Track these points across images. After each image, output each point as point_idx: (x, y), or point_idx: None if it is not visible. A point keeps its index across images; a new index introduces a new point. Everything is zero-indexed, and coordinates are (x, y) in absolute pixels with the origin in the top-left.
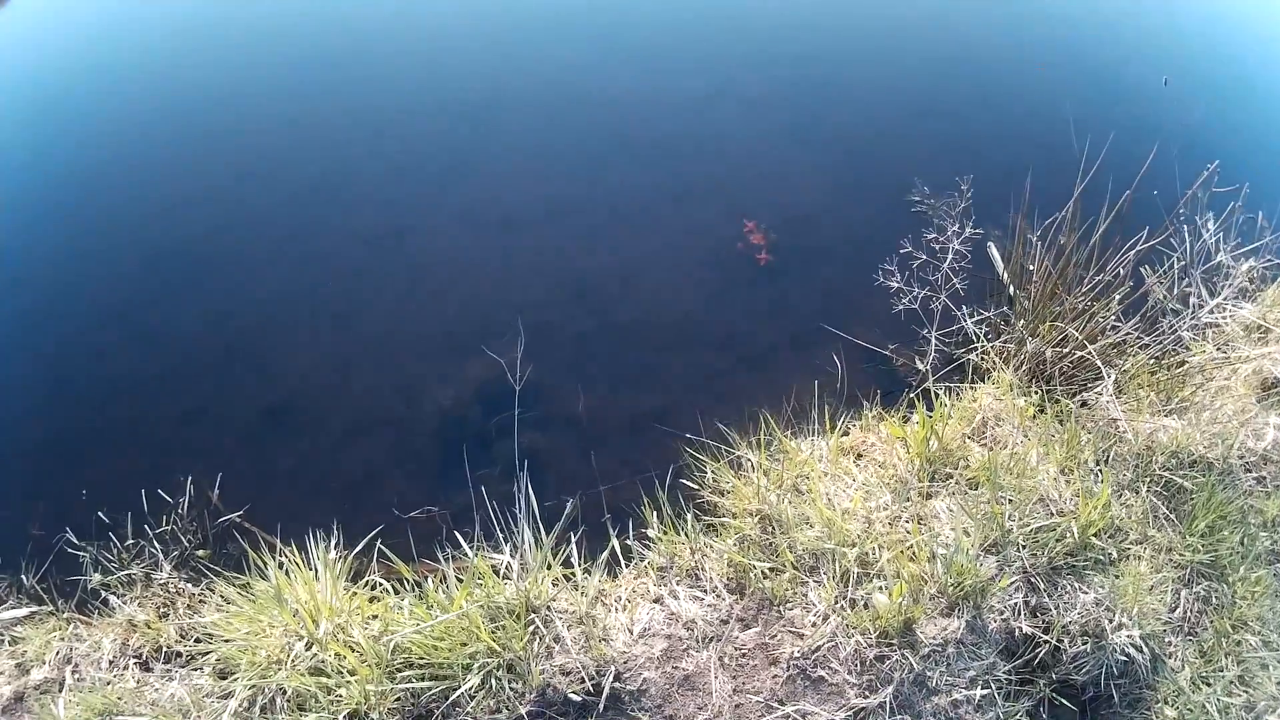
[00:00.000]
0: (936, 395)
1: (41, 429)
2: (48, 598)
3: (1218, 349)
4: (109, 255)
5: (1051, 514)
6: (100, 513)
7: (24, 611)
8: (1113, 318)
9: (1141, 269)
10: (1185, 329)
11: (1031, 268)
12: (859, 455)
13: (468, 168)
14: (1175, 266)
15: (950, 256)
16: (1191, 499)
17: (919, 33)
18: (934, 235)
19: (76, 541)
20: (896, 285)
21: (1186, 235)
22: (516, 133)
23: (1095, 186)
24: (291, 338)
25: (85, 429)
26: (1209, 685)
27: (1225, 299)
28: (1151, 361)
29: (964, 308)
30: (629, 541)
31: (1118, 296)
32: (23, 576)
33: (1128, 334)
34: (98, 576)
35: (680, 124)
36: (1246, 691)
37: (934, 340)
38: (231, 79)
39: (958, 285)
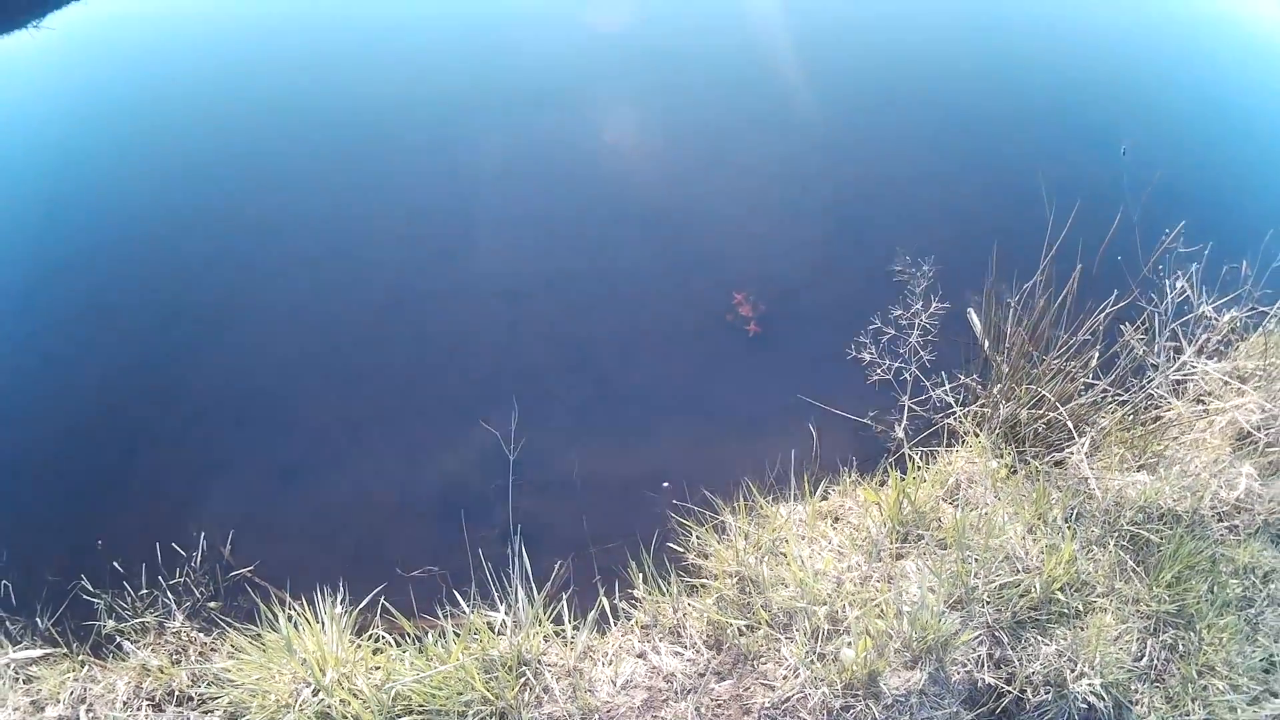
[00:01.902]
0: (912, 460)
1: (59, 480)
2: (62, 641)
3: (1197, 401)
4: (128, 313)
5: (1017, 571)
6: (115, 563)
7: (38, 653)
8: (1087, 376)
9: (1122, 326)
10: (1155, 386)
11: (1008, 330)
12: (836, 519)
13: (472, 240)
14: (1155, 321)
15: (915, 332)
16: (1159, 551)
17: (907, 102)
18: (901, 311)
19: (91, 589)
20: (869, 358)
21: (1168, 290)
22: (518, 207)
23: (1068, 251)
24: (302, 401)
25: (102, 482)
26: None
27: (1189, 356)
28: (1127, 418)
29: (941, 373)
30: (617, 602)
31: (1096, 354)
32: (38, 619)
33: (1104, 391)
34: (112, 623)
35: (674, 197)
36: None
37: (907, 408)
38: (249, 147)
39: (925, 357)
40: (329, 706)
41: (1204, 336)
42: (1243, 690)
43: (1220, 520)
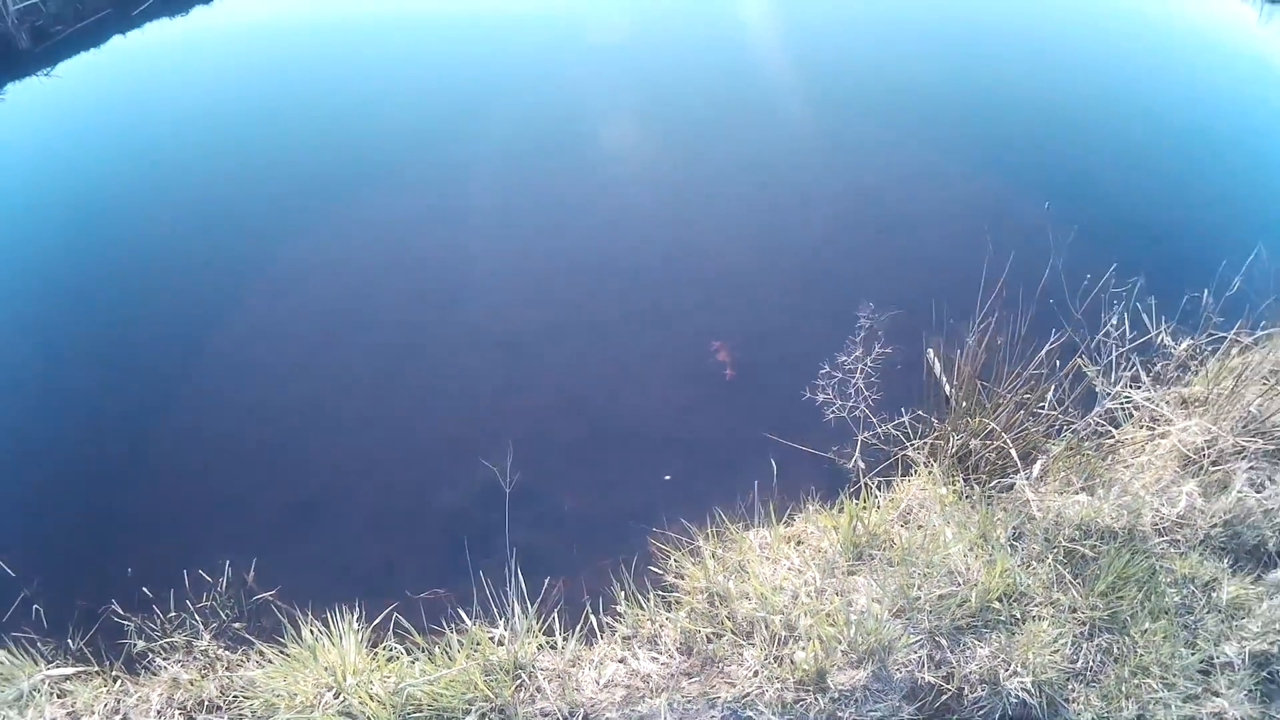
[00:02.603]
0: (868, 488)
1: (90, 511)
2: (94, 659)
3: (1150, 424)
4: (155, 358)
5: (957, 584)
6: (144, 588)
7: (70, 670)
8: (1041, 406)
9: (1080, 359)
10: (1096, 415)
11: (961, 368)
12: (799, 541)
13: (471, 294)
14: (1111, 352)
15: (859, 376)
16: (1094, 564)
17: (876, 154)
18: (861, 354)
19: (122, 612)
20: (824, 398)
21: (1126, 320)
22: (514, 263)
23: (1027, 289)
24: (317, 441)
25: (132, 514)
26: None
27: (1123, 387)
28: (1076, 444)
29: (901, 410)
30: (602, 617)
31: (1051, 386)
32: (69, 641)
33: (1055, 419)
34: (142, 642)
35: (657, 251)
36: None
37: (862, 443)
38: (265, 204)
39: (884, 396)
40: (349, 706)
41: (1161, 364)
42: (1177, 689)
43: (1162, 535)
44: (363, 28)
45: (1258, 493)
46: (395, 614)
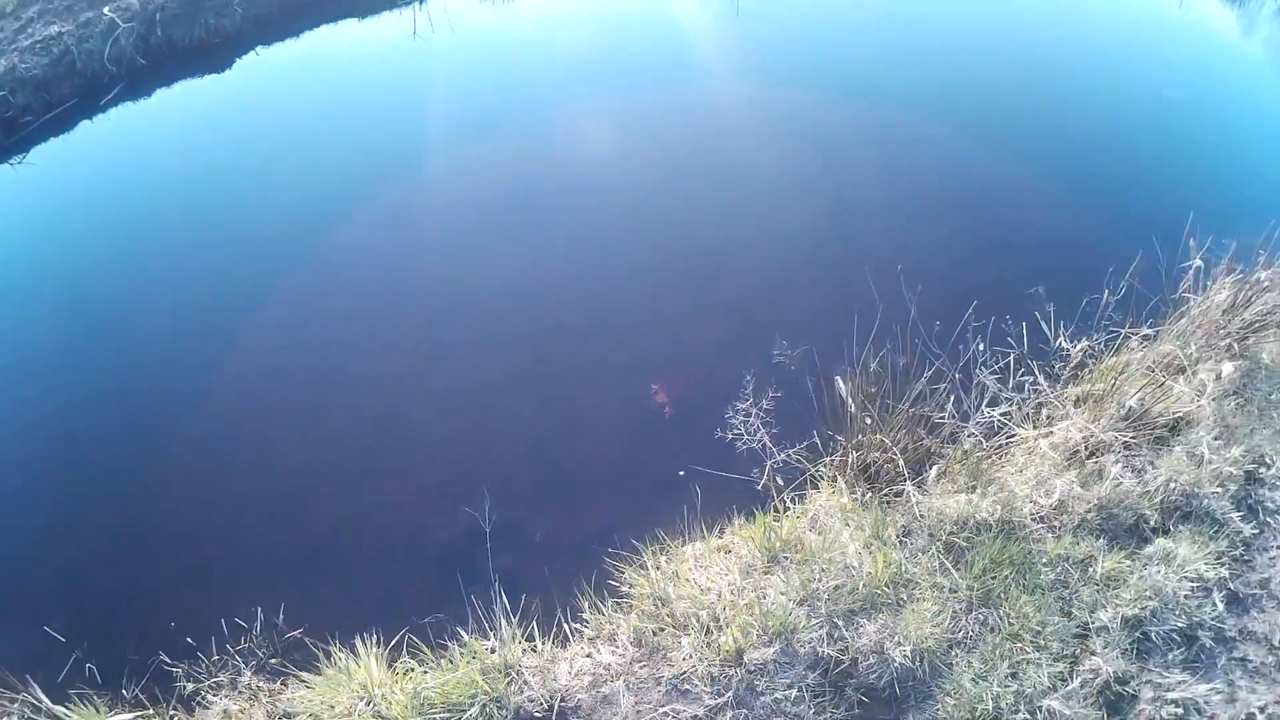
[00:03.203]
0: (782, 502)
1: (127, 575)
2: (151, 704)
3: (1048, 422)
4: (163, 436)
5: (851, 575)
6: (188, 638)
7: (132, 715)
8: (941, 416)
9: (978, 370)
10: (973, 426)
11: (868, 389)
12: (727, 551)
13: (439, 360)
14: (1011, 360)
15: (766, 409)
16: (973, 552)
17: (797, 194)
18: (764, 391)
19: (170, 661)
20: (744, 428)
21: (1025, 328)
22: (476, 327)
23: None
24: (321, 497)
25: (166, 573)
26: (986, 681)
27: (990, 412)
28: (968, 448)
29: (813, 433)
30: (572, 623)
31: (951, 398)
32: (124, 691)
33: (953, 427)
34: (191, 684)
35: (601, 310)
36: (1017, 684)
37: (769, 466)
38: (242, 285)
39: (778, 427)
40: (380, 710)
41: (1060, 366)
42: (1049, 651)
43: (1040, 522)
44: (326, 95)
45: (1139, 477)
46: (407, 636)
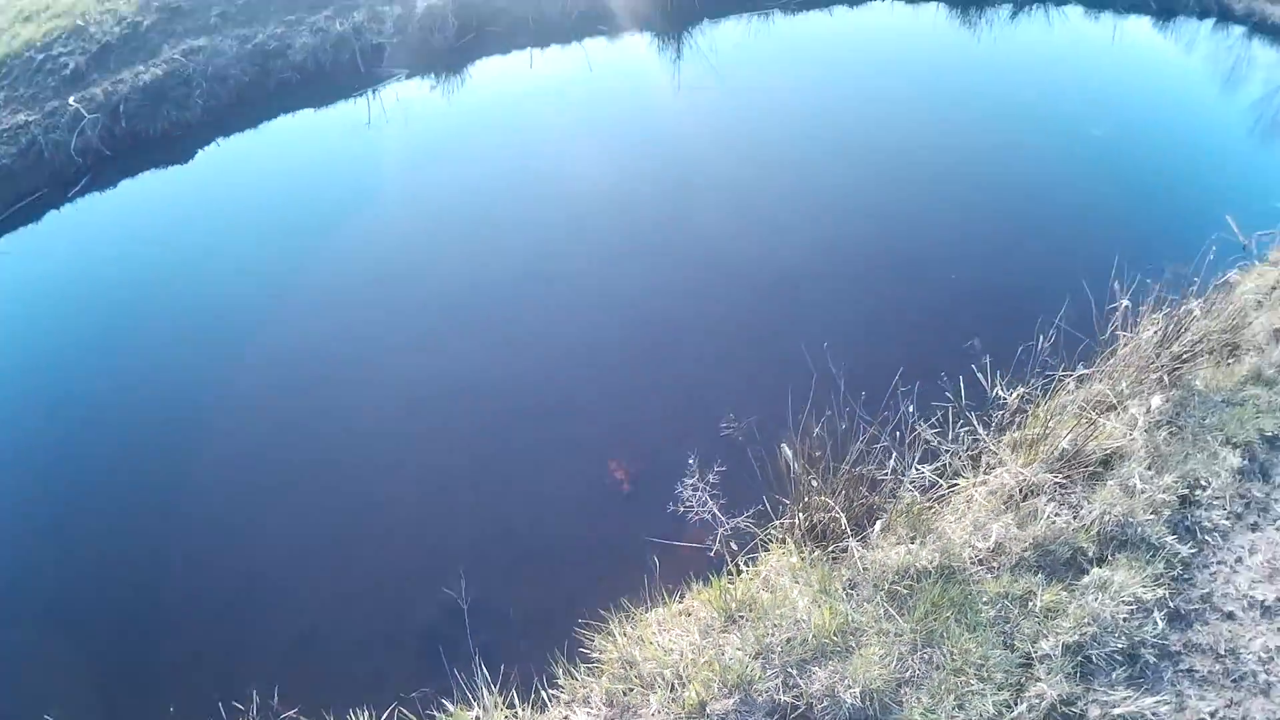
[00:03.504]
0: (736, 566)
1: (123, 663)
2: None
3: (986, 469)
4: (159, 537)
5: (801, 628)
6: None
7: None
8: (877, 474)
9: (918, 425)
10: (910, 481)
11: (812, 453)
12: (688, 613)
13: (410, 445)
14: (950, 412)
15: (708, 488)
16: (914, 598)
17: (733, 272)
18: (715, 462)
19: None
20: (697, 498)
21: (959, 385)
22: (440, 413)
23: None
24: (308, 584)
25: (163, 660)
26: (934, 714)
27: (913, 462)
28: (910, 501)
29: (762, 498)
30: (549, 690)
31: (893, 455)
32: None
33: (895, 482)
34: None
35: (558, 393)
36: (964, 714)
37: (720, 533)
38: (212, 373)
39: (715, 504)
40: None
41: (998, 414)
42: (993, 682)
43: (980, 565)
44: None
45: (1074, 512)
46: (397, 710)
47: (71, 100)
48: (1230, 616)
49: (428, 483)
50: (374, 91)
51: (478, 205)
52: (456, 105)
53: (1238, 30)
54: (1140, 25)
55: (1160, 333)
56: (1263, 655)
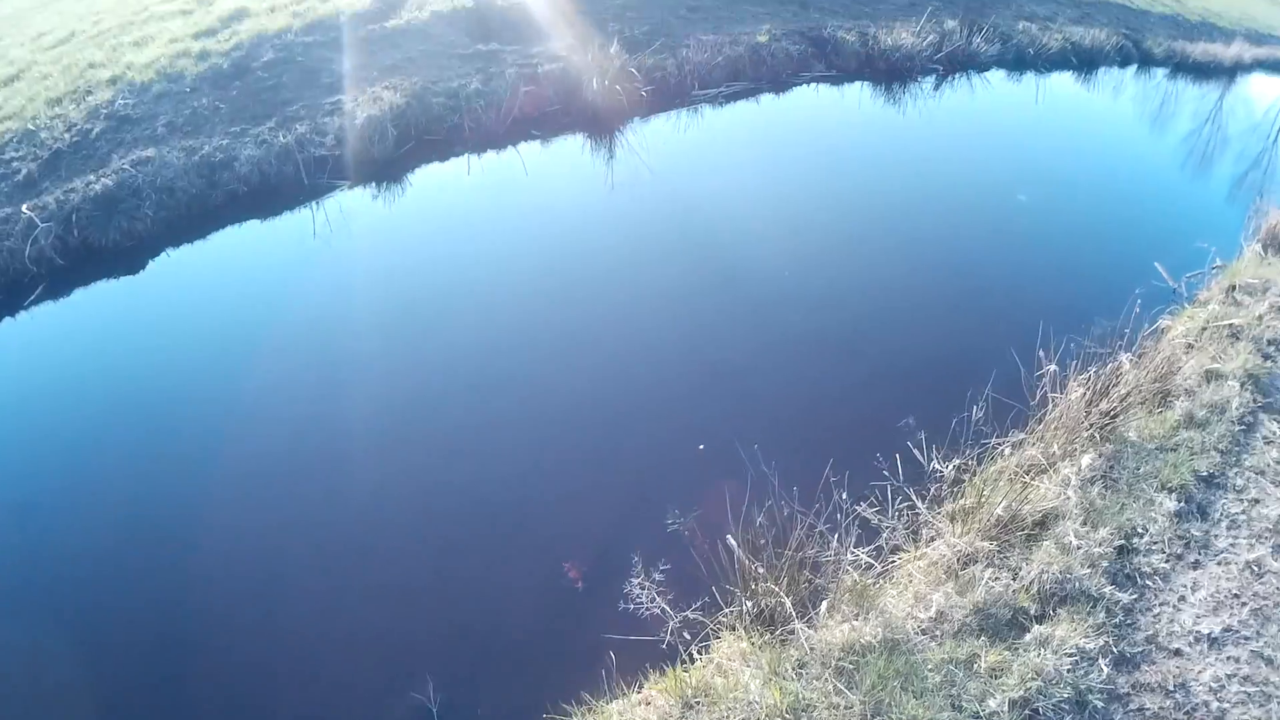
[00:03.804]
0: (690, 656)
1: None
2: None
3: (928, 541)
4: (118, 654)
5: (754, 709)
6: None
7: None
8: (819, 557)
9: (859, 506)
10: (847, 560)
11: (757, 541)
12: (647, 703)
13: (372, 556)
14: (889, 490)
15: (655, 584)
16: (861, 672)
17: (670, 371)
18: (664, 558)
19: None
20: (648, 592)
21: (894, 464)
22: (400, 522)
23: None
24: (280, 701)
25: None
26: None
27: (851, 544)
28: (855, 579)
29: (711, 588)
30: None
31: (835, 537)
32: None
33: (838, 562)
34: None
35: (508, 497)
36: None
37: (672, 625)
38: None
39: (664, 600)
40: None
41: (935, 487)
42: None
43: (924, 634)
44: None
45: (1013, 575)
46: None
47: (25, 208)
48: (1177, 653)
49: (389, 589)
50: (318, 203)
51: (421, 314)
52: (399, 214)
53: (1160, 73)
54: (1063, 81)
55: (1089, 392)
56: (1213, 685)
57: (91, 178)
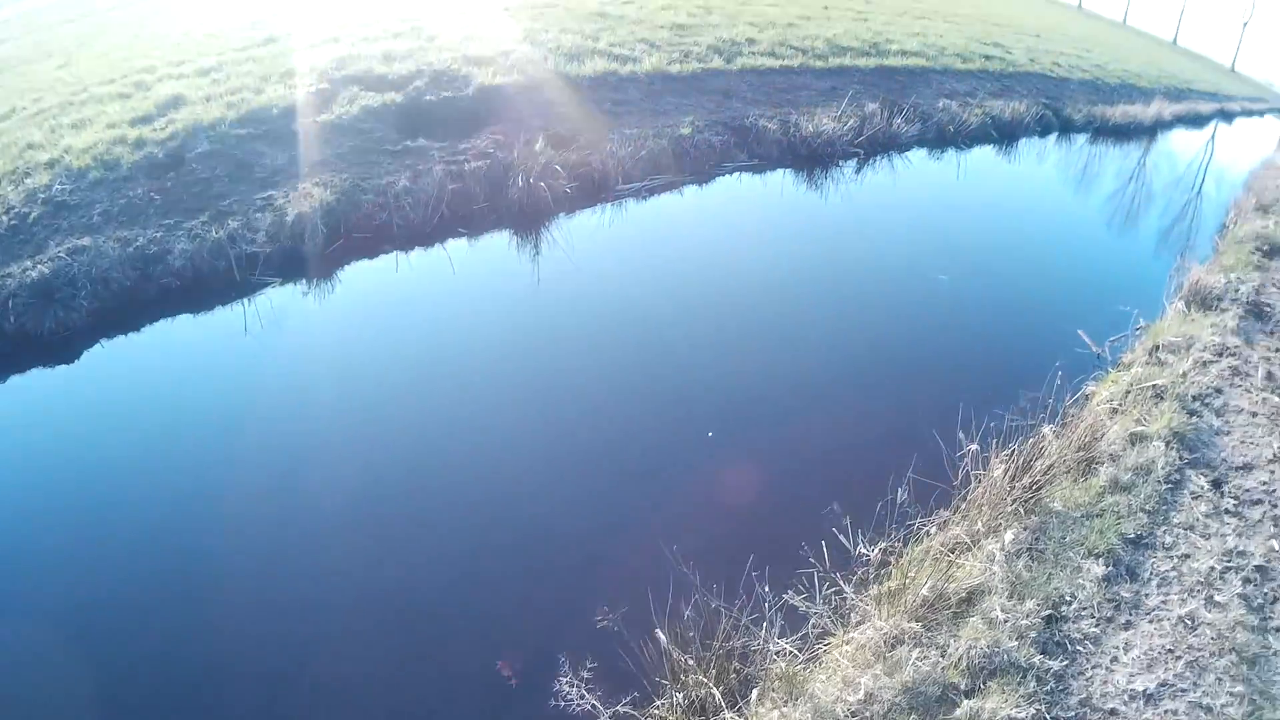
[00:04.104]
0: None
1: None
2: None
3: (852, 627)
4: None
5: None
6: None
7: None
8: (746, 647)
9: (786, 594)
10: (773, 649)
11: (685, 636)
12: None
13: (303, 661)
14: (817, 576)
15: (584, 681)
16: None
17: (601, 463)
18: (590, 657)
19: None
20: (575, 690)
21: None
22: (328, 622)
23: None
24: None
25: None
26: None
27: (777, 633)
28: (784, 667)
29: (644, 682)
30: None
31: (764, 627)
32: None
33: (767, 651)
34: None
35: (435, 598)
36: None
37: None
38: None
39: (593, 696)
40: None
41: (861, 571)
42: None
43: (854, 716)
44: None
45: (941, 652)
46: None
47: None
48: (1113, 713)
49: (320, 692)
50: (250, 299)
51: (347, 413)
52: (329, 311)
53: (1081, 139)
54: (985, 155)
55: (1011, 467)
56: None
57: (29, 263)
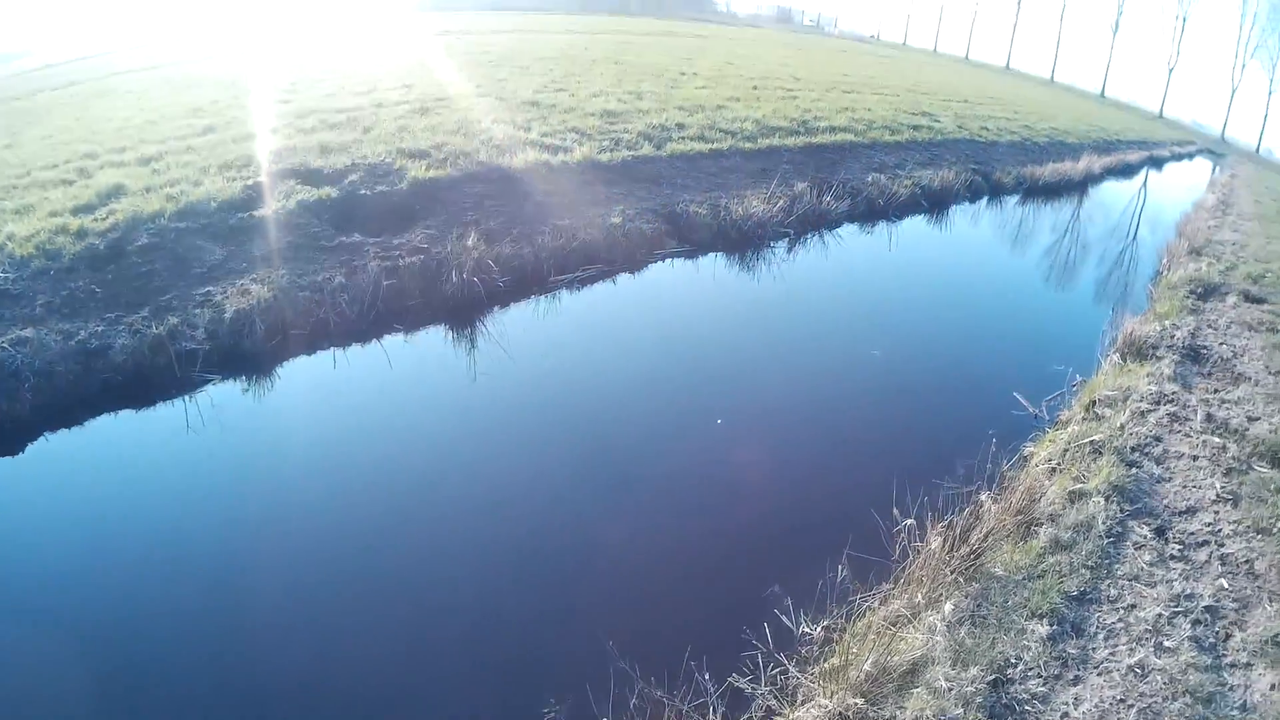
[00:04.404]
0: None
1: None
2: None
3: (799, 706)
4: None
5: None
6: None
7: None
8: None
9: (730, 677)
10: None
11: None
12: None
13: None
14: (760, 657)
15: None
16: None
17: (546, 556)
18: None
19: None
20: None
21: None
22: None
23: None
24: None
25: None
26: None
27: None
28: None
29: None
30: None
31: (710, 711)
32: None
33: None
34: None
35: (368, 697)
36: None
37: None
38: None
39: None
40: None
41: (806, 649)
42: None
43: None
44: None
45: None
46: None
47: None
48: None
49: None
50: (191, 396)
51: (283, 512)
52: (268, 408)
53: (1012, 200)
54: (916, 224)
55: (949, 537)
56: None
57: None
